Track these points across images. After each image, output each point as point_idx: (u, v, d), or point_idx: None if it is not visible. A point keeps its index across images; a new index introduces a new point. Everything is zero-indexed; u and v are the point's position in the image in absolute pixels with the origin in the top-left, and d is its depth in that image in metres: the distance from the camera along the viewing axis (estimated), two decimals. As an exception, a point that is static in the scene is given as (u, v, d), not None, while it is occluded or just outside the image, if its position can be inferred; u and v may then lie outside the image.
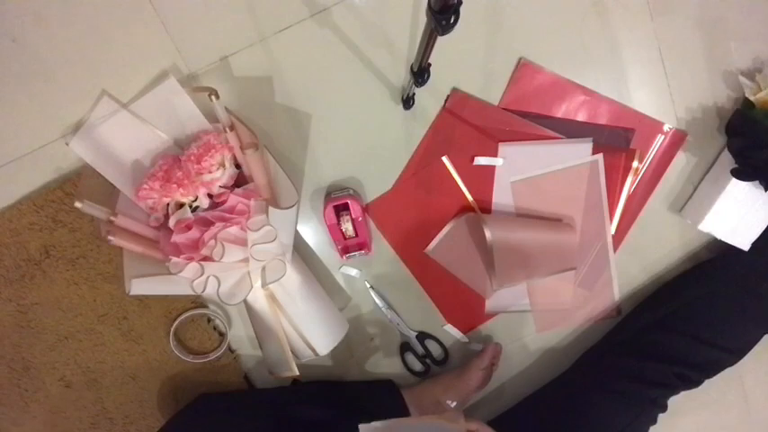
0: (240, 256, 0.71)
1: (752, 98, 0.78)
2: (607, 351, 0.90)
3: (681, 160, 0.88)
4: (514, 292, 0.91)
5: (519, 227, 0.85)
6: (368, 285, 0.91)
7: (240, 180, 0.76)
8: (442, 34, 0.45)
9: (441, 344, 0.94)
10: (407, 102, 0.81)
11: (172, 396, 0.92)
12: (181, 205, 0.73)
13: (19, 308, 0.85)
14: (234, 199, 0.72)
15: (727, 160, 0.83)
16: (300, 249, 0.88)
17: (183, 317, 0.88)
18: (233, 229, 0.70)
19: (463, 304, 0.92)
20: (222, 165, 0.73)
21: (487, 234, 0.80)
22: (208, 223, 0.70)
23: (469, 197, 0.87)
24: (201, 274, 0.70)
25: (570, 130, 0.85)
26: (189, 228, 0.71)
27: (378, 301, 0.91)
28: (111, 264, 0.85)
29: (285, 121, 0.83)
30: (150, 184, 0.73)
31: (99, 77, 0.79)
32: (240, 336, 0.92)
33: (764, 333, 0.84)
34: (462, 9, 0.43)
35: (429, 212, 0.88)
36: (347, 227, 0.83)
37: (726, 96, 0.85)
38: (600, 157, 0.85)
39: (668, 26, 0.82)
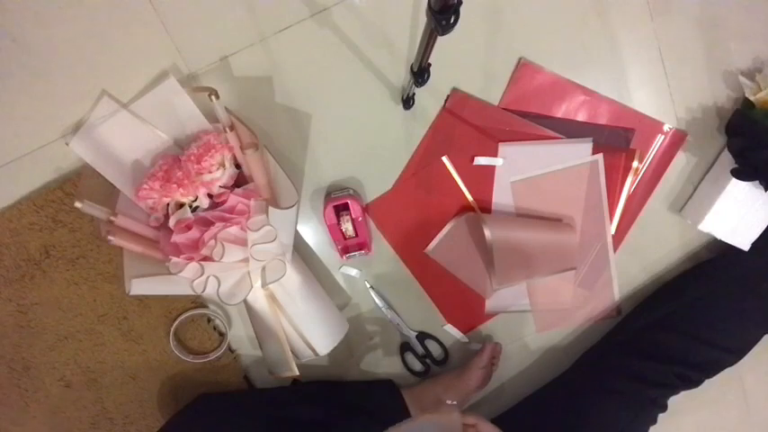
0: (240, 256, 0.71)
1: (752, 98, 0.78)
2: (607, 351, 0.90)
3: (681, 160, 0.88)
4: (514, 292, 0.91)
5: (519, 227, 0.85)
6: (368, 285, 0.91)
7: (240, 180, 0.76)
8: (442, 34, 0.45)
9: (441, 344, 0.94)
10: (407, 102, 0.81)
11: (172, 396, 0.92)
12: (181, 205, 0.73)
13: (19, 308, 0.85)
14: (234, 199, 0.72)
15: (727, 160, 0.83)
16: (300, 249, 0.88)
17: (183, 317, 0.88)
18: (233, 229, 0.70)
19: (463, 304, 0.92)
20: (222, 165, 0.73)
21: (487, 234, 0.80)
22: (208, 223, 0.70)
23: (469, 197, 0.87)
24: (201, 274, 0.70)
25: (570, 130, 0.85)
26: (189, 228, 0.71)
27: (378, 301, 0.91)
28: (111, 264, 0.85)
29: (285, 121, 0.83)
30: (150, 184, 0.73)
31: (99, 77, 0.79)
32: (240, 336, 0.92)
33: (764, 333, 0.84)
34: (462, 9, 0.43)
35: (429, 212, 0.88)
36: (347, 227, 0.83)
37: (726, 96, 0.85)
38: (600, 157, 0.85)
39: (668, 26, 0.82)
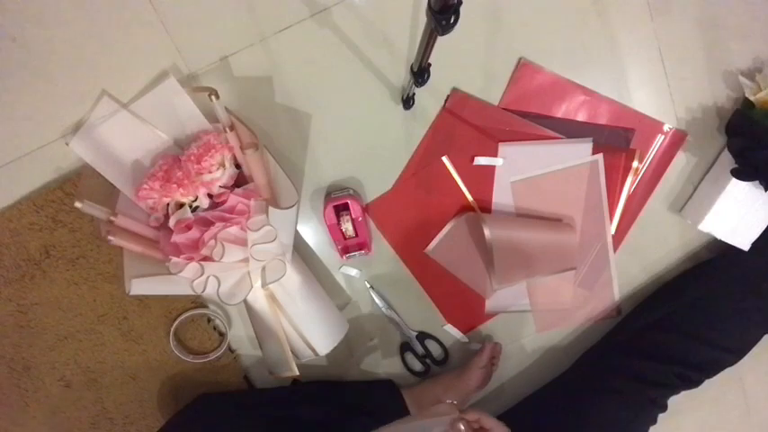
0: (240, 256, 0.71)
1: (752, 98, 0.78)
2: (607, 351, 0.90)
3: (681, 160, 0.88)
4: (514, 292, 0.91)
5: (519, 227, 0.85)
6: (368, 285, 0.91)
7: (240, 180, 0.76)
8: (442, 34, 0.45)
9: (441, 344, 0.94)
10: (407, 102, 0.81)
11: (172, 396, 0.92)
12: (181, 205, 0.73)
13: (19, 308, 0.85)
14: (234, 199, 0.72)
15: (727, 160, 0.83)
16: (300, 249, 0.88)
17: (183, 317, 0.88)
18: (233, 229, 0.70)
19: (463, 304, 0.92)
20: (222, 165, 0.73)
21: (487, 234, 0.80)
22: (208, 223, 0.70)
23: (469, 197, 0.87)
24: (201, 274, 0.70)
25: (570, 130, 0.85)
26: (189, 228, 0.71)
27: (378, 301, 0.91)
28: (111, 264, 0.85)
29: (285, 121, 0.83)
30: (150, 184, 0.73)
31: (99, 77, 0.79)
32: (240, 336, 0.92)
33: (764, 333, 0.84)
34: (462, 9, 0.43)
35: (429, 212, 0.88)
36: (347, 227, 0.83)
37: (726, 96, 0.85)
38: (600, 157, 0.85)
39: (668, 26, 0.82)
